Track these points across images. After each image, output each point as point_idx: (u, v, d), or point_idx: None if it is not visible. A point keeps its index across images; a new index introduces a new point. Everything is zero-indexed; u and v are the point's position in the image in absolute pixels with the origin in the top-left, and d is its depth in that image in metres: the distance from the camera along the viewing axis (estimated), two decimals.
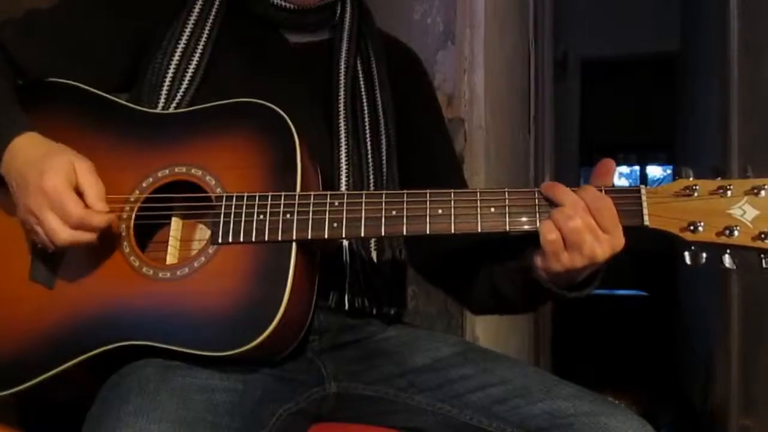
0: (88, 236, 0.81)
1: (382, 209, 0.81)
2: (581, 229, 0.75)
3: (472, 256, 0.97)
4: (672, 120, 5.11)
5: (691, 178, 0.78)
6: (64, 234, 0.80)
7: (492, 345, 1.80)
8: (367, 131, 1.01)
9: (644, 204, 0.78)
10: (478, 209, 0.80)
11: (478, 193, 0.81)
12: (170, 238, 0.88)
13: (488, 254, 0.94)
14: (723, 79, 2.51)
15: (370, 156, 1.00)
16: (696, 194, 0.76)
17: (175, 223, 0.89)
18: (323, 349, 0.96)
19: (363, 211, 0.81)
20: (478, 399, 0.88)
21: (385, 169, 1.01)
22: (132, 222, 0.86)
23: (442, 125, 1.14)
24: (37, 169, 0.81)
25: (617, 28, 5.46)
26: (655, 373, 4.16)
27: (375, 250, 0.97)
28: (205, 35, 0.99)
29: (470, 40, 1.72)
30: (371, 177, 0.99)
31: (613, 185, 0.80)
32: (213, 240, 0.83)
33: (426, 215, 0.81)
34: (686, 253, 0.77)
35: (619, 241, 0.77)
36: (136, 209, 0.86)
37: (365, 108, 1.02)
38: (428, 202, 0.81)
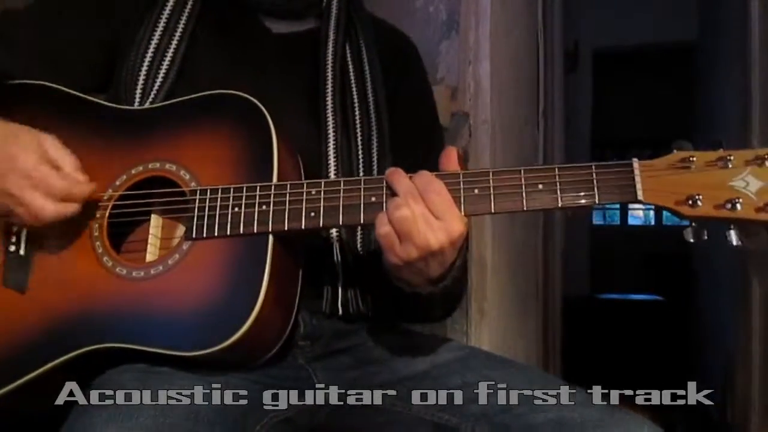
0: (73, 207, 0.83)
1: (360, 196, 0.81)
2: (409, 218, 0.76)
3: None
4: (689, 114, 5.11)
5: (695, 150, 0.77)
6: (50, 208, 0.82)
7: (498, 351, 1.80)
8: (358, 125, 1.01)
9: (637, 178, 0.77)
10: (461, 191, 0.80)
11: (461, 176, 0.80)
12: (150, 236, 0.89)
13: None
14: (743, 70, 2.51)
15: (360, 151, 1.00)
16: (693, 166, 0.76)
17: (155, 221, 0.90)
18: (316, 356, 0.96)
19: (341, 199, 0.81)
20: (480, 407, 0.87)
21: (375, 166, 1.01)
22: (105, 221, 0.87)
23: (432, 117, 1.13)
24: (5, 152, 0.82)
25: (631, 16, 5.45)
26: (670, 381, 4.16)
27: (370, 251, 0.97)
28: (180, 28, 1.00)
29: (475, 29, 1.71)
30: (361, 173, 0.99)
31: (464, 169, 0.81)
32: (187, 235, 0.83)
33: None
34: (687, 230, 0.77)
35: (454, 226, 0.77)
36: (109, 208, 0.87)
37: (355, 100, 1.02)
38: None
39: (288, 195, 0.82)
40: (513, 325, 2.11)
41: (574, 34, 4.69)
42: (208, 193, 0.84)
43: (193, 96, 0.91)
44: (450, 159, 0.82)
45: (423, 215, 0.76)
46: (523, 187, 0.79)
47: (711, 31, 4.06)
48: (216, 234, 0.83)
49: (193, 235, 0.83)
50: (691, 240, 0.76)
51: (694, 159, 0.76)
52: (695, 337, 4.41)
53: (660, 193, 0.77)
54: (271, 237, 0.81)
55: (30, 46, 1.00)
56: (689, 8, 4.82)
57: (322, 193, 0.82)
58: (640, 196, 0.77)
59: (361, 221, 0.81)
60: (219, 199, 0.84)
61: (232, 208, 0.83)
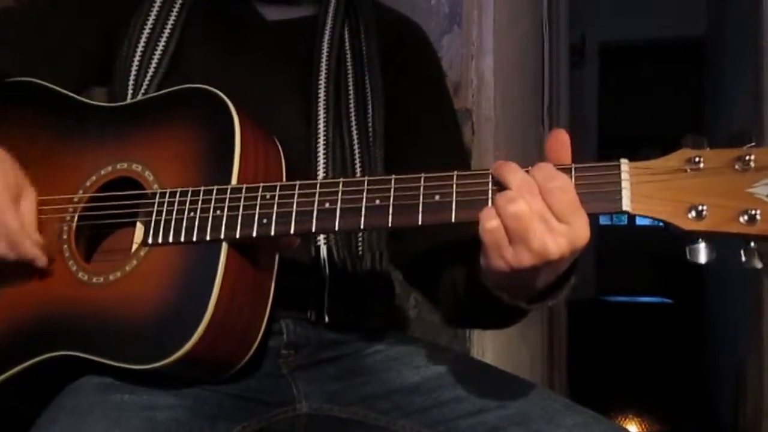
0: (13, 256, 0.82)
1: (315, 201, 0.76)
2: (525, 214, 0.64)
3: (444, 256, 0.90)
4: (700, 110, 5.11)
5: (705, 149, 0.64)
6: None
7: (502, 357, 1.80)
8: (353, 119, 0.98)
9: (625, 183, 0.65)
10: (421, 197, 0.72)
11: (422, 179, 0.73)
12: (134, 243, 0.88)
13: (459, 255, 0.85)
14: (755, 65, 2.51)
15: (356, 147, 0.97)
16: (702, 168, 0.63)
17: (140, 225, 0.89)
18: (300, 366, 0.94)
19: (294, 204, 0.77)
20: (469, 426, 0.84)
21: (378, 164, 0.98)
22: (74, 224, 0.86)
23: (440, 106, 1.08)
24: None
25: (639, 9, 5.46)
26: (680, 387, 4.17)
27: (358, 254, 0.95)
28: (172, 18, 0.99)
29: (478, 22, 1.71)
30: (358, 171, 0.96)
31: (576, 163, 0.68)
32: (143, 240, 0.82)
33: (361, 207, 0.74)
34: (694, 247, 0.64)
35: (580, 233, 0.66)
36: (78, 210, 0.87)
37: (350, 92, 0.99)
38: (365, 192, 0.75)
39: (242, 200, 0.79)
40: (516, 329, 2.11)
41: (581, 27, 4.69)
42: (167, 196, 0.82)
43: (165, 91, 0.89)
44: (563, 143, 0.69)
45: (541, 215, 0.65)
46: (490, 193, 0.70)
47: (721, 24, 4.06)
48: (170, 240, 0.80)
49: (149, 241, 0.81)
50: (702, 261, 0.64)
51: (702, 159, 0.63)
52: (705, 340, 4.41)
53: (655, 201, 0.64)
54: (224, 244, 0.78)
55: (27, 44, 1.00)
56: (699, 1, 4.82)
57: (276, 197, 0.78)
58: (626, 205, 0.65)
59: (313, 229, 0.76)
60: (176, 203, 0.81)
61: (188, 212, 0.80)
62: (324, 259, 0.92)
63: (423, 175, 0.73)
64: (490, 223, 0.66)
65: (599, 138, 5.86)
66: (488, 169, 0.70)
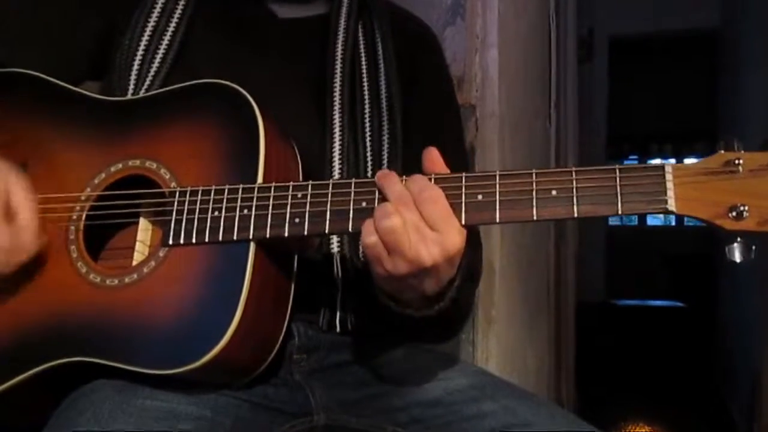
0: (18, 258, 0.81)
1: (350, 200, 0.78)
2: (399, 228, 0.71)
3: None
4: (712, 105, 5.12)
5: (740, 151, 0.70)
6: None
7: (507, 362, 1.80)
8: (367, 124, 0.99)
9: (669, 185, 0.70)
10: (463, 197, 0.75)
11: (463, 178, 0.76)
12: (137, 241, 0.87)
13: None
14: None
15: (369, 152, 0.98)
16: (740, 171, 0.68)
17: (144, 224, 0.88)
18: (313, 370, 0.94)
19: (329, 203, 0.78)
20: None
21: (385, 167, 0.98)
22: (82, 223, 0.86)
23: (447, 113, 1.10)
24: None
25: (650, 1, 5.46)
26: (693, 394, 4.17)
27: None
28: (178, 11, 0.98)
29: (482, 15, 1.71)
30: (369, 175, 0.97)
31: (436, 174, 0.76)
32: (163, 241, 0.82)
33: None
34: (731, 246, 0.69)
35: (451, 240, 0.72)
36: (86, 209, 0.86)
37: (366, 96, 1.00)
38: None
39: (272, 198, 0.79)
40: (523, 334, 2.11)
41: (589, 20, 4.69)
42: (188, 195, 0.82)
43: (178, 86, 0.89)
44: (434, 161, 0.77)
45: (415, 225, 0.72)
46: (534, 192, 0.73)
47: (735, 17, 4.06)
48: (194, 240, 0.80)
49: (170, 241, 0.81)
50: (737, 260, 0.69)
51: (741, 162, 0.68)
52: (719, 345, 4.41)
53: (696, 202, 0.69)
54: (252, 245, 0.79)
55: (22, 32, 0.99)
56: None
57: (309, 197, 0.78)
58: (671, 206, 0.70)
59: (350, 229, 0.78)
60: (198, 202, 0.81)
61: (212, 212, 0.80)
62: (337, 265, 0.93)
63: (464, 174, 0.76)
64: (369, 238, 0.73)
65: (608, 134, 5.86)
66: (373, 179, 0.77)
